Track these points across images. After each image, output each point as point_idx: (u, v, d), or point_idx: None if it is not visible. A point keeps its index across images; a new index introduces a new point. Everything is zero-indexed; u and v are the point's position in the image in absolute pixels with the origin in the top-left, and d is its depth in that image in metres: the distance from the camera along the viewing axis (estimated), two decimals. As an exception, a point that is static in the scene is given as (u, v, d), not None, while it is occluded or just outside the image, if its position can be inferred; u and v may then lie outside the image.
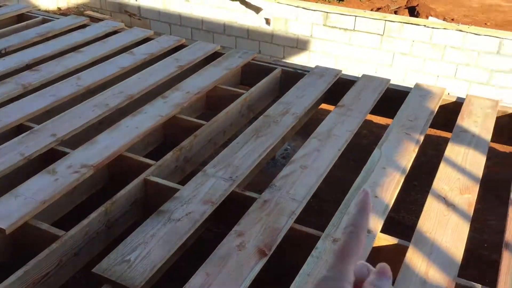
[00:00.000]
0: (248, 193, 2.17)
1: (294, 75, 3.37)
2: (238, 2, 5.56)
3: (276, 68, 3.45)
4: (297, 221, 2.04)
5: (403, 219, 3.14)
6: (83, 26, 3.99)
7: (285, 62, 4.81)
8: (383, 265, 0.47)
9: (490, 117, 2.80)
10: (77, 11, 6.68)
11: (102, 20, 4.74)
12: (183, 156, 2.50)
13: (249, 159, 2.38)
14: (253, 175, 2.44)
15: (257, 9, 5.51)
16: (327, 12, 5.20)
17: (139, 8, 6.20)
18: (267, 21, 5.57)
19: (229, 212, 2.11)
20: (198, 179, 2.21)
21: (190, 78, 3.18)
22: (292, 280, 1.70)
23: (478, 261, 2.66)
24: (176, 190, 2.14)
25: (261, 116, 2.80)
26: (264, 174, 3.18)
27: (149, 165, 2.32)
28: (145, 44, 3.67)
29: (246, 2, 5.50)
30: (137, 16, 6.26)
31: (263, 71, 3.43)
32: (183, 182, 2.30)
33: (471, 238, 2.90)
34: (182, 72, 3.30)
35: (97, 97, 2.87)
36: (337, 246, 0.48)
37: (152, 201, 2.18)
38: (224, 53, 3.61)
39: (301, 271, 1.73)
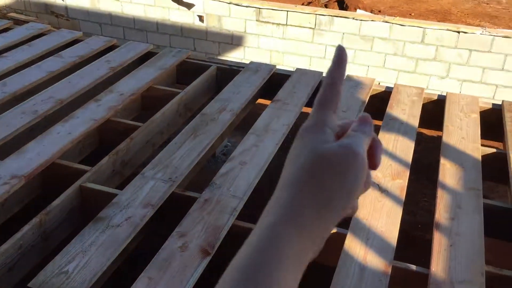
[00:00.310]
0: (188, 193, 2.16)
1: (229, 72, 3.38)
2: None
3: (211, 65, 3.44)
4: (239, 217, 2.06)
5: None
6: (6, 29, 3.80)
7: (220, 59, 4.82)
8: (364, 114, 0.49)
9: (416, 104, 2.94)
10: (-1, 13, 6.33)
11: (27, 22, 4.53)
12: (120, 160, 2.44)
13: (188, 159, 2.37)
14: (193, 174, 2.43)
15: (188, 6, 5.47)
16: (259, 8, 5.25)
17: (66, 8, 5.98)
18: (201, 18, 5.54)
19: (170, 214, 2.09)
20: (137, 182, 2.18)
21: (124, 80, 3.11)
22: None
23: (413, 243, 2.80)
24: (114, 195, 2.09)
25: (198, 114, 2.79)
26: (206, 172, 3.17)
27: (84, 171, 2.26)
28: (74, 46, 3.55)
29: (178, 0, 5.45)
30: (64, 16, 6.03)
31: (198, 69, 3.41)
32: (121, 186, 2.26)
33: (406, 221, 3.04)
34: (114, 73, 3.22)
35: (24, 103, 2.75)
36: (316, 97, 0.50)
37: (89, 209, 2.12)
38: (157, 53, 3.56)
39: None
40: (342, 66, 0.50)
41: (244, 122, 3.28)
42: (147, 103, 3.09)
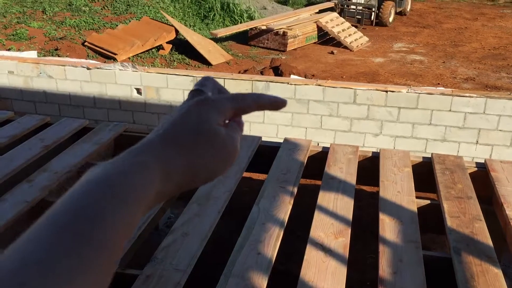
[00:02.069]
0: (128, 271, 2.07)
1: (168, 143, 3.37)
2: (106, 73, 5.51)
3: (149, 137, 3.43)
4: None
5: (292, 270, 3.21)
6: None
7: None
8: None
9: (352, 162, 3.04)
10: None
11: (-45, 104, 4.38)
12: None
13: (127, 234, 2.29)
14: (133, 250, 2.34)
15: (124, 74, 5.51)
16: (196, 77, 5.36)
17: (-2, 88, 5.84)
18: (139, 91, 5.57)
19: (109, 295, 1.98)
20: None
21: (58, 157, 3.02)
22: None
23: (362, 300, 2.79)
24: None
25: (137, 187, 2.74)
26: (149, 246, 3.07)
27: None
28: (5, 126, 3.45)
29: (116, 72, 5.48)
30: (-4, 96, 5.88)
31: (136, 141, 3.36)
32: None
33: (353, 279, 3.04)
34: (48, 152, 3.13)
35: (-51, 189, 2.59)
36: (237, 94, 0.52)
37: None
38: (94, 128, 3.52)
39: None
40: (272, 106, 0.54)
41: (187, 191, 3.24)
42: (84, 179, 3.01)
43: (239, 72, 7.58)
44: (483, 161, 3.18)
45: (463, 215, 2.48)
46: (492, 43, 10.36)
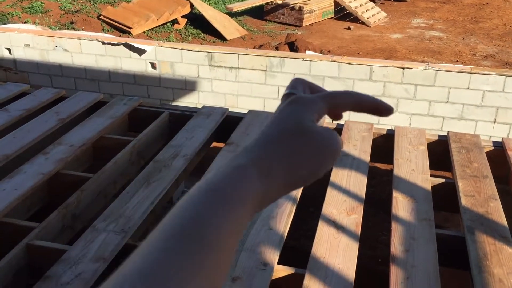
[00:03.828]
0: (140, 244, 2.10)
1: (182, 117, 3.37)
2: (121, 47, 5.50)
3: (163, 111, 3.44)
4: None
5: (303, 246, 3.23)
6: (-51, 85, 3.69)
7: (172, 105, 4.82)
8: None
9: (367, 140, 3.01)
10: None
11: (-28, 77, 4.42)
12: (70, 214, 2.36)
13: (141, 208, 2.31)
14: (147, 223, 2.37)
15: (140, 51, 5.49)
16: (211, 52, 5.33)
17: (14, 61, 5.88)
18: (153, 65, 5.57)
19: (123, 267, 2.02)
20: (88, 236, 2.10)
21: (73, 131, 3.05)
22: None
23: (373, 277, 2.80)
24: (64, 251, 2.01)
25: (151, 162, 2.76)
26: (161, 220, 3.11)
27: (32, 228, 2.16)
28: (21, 99, 3.48)
29: (130, 45, 5.46)
30: (13, 70, 5.92)
31: (150, 116, 3.40)
32: (73, 241, 2.17)
33: (365, 255, 3.04)
34: (64, 125, 3.16)
35: (-33, 161, 2.64)
36: (334, 91, 0.51)
37: (38, 268, 2.02)
38: (108, 102, 3.53)
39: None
40: (374, 110, 0.51)
41: (200, 166, 3.26)
42: (99, 153, 3.03)
43: (254, 48, 7.52)
44: (500, 140, 3.13)
45: (478, 194, 2.45)
46: (514, 19, 10.09)
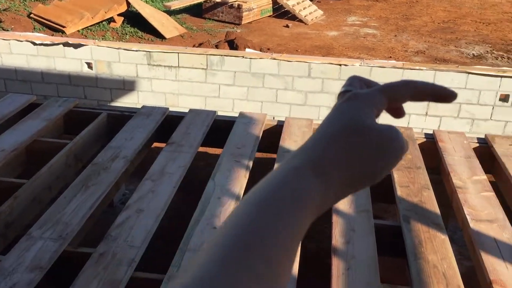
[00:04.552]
0: (81, 250, 2.04)
1: (121, 118, 3.29)
2: (54, 46, 5.28)
3: (101, 113, 3.34)
4: (140, 268, 1.98)
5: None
6: None
7: (110, 106, 4.70)
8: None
9: (307, 135, 3.07)
10: None
11: None
12: (2, 223, 2.24)
13: (79, 213, 2.24)
14: (86, 229, 2.30)
15: (76, 51, 5.30)
16: (149, 51, 5.23)
17: None
18: (89, 65, 5.39)
19: (62, 274, 1.95)
20: (23, 245, 2.01)
21: (4, 135, 2.90)
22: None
23: (319, 269, 2.86)
24: (-3, 262, 1.91)
25: (89, 164, 2.68)
26: (103, 224, 3.02)
27: (-40, 240, 2.04)
28: None
29: (65, 44, 5.26)
30: None
31: (87, 117, 3.29)
32: (6, 251, 2.07)
33: (312, 249, 3.11)
34: (-7, 129, 3.00)
35: None
36: (391, 83, 0.49)
37: (-32, 281, 1.91)
38: (42, 104, 3.39)
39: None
40: (437, 96, 0.49)
41: (141, 167, 3.19)
42: (33, 157, 2.90)
43: (194, 46, 7.46)
44: (431, 132, 3.29)
45: (412, 185, 2.56)
46: (441, 16, 10.62)
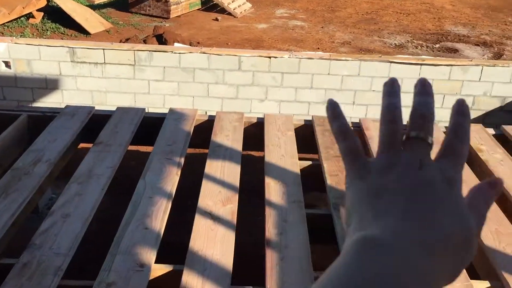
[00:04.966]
0: (2, 261, 1.92)
1: (42, 119, 3.13)
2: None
3: (20, 114, 3.16)
4: (68, 275, 1.89)
5: (183, 241, 3.21)
6: None
7: (30, 106, 4.46)
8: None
9: (238, 129, 3.07)
10: None
11: None
12: None
13: (0, 221, 2.11)
14: (8, 238, 2.17)
15: (-9, 52, 4.97)
16: (72, 48, 5.01)
17: None
18: (7, 64, 5.08)
19: (-18, 289, 1.82)
20: None
21: None
22: None
23: (253, 262, 2.88)
24: None
25: (9, 170, 2.52)
26: (27, 232, 2.87)
27: None
28: None
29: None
30: None
31: (6, 120, 3.10)
32: None
33: (245, 242, 3.11)
34: None
35: None
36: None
37: None
38: (-47, 107, 3.15)
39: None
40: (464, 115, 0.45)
41: (66, 170, 3.05)
42: None
43: (120, 41, 7.23)
44: (358, 121, 3.39)
45: (341, 173, 2.63)
46: (364, 8, 10.98)
